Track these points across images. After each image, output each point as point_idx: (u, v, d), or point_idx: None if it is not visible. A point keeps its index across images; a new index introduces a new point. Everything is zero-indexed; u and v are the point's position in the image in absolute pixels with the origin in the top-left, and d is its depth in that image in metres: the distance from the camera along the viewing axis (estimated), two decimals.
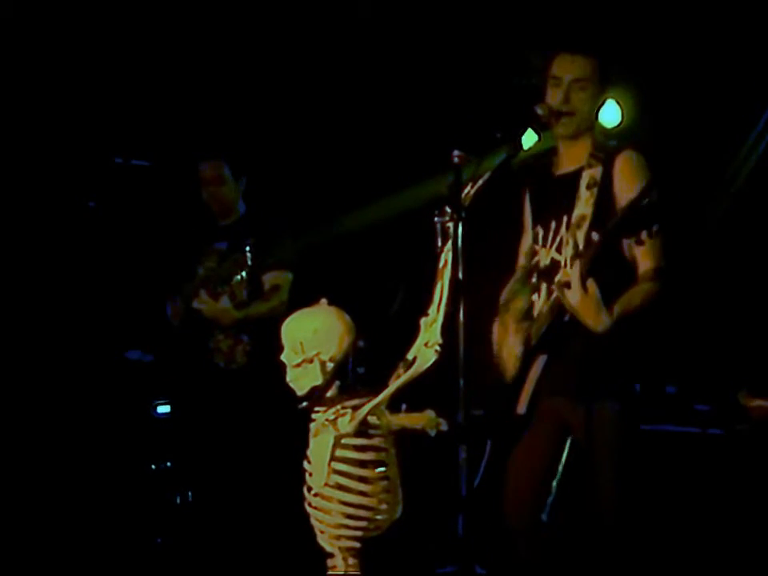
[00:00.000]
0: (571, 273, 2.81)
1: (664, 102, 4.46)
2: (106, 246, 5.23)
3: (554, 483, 3.14)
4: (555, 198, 3.16)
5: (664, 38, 4.43)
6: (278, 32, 5.05)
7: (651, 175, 2.97)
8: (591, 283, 2.79)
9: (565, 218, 3.09)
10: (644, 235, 2.72)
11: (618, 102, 3.30)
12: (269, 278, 4.29)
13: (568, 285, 2.82)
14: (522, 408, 3.03)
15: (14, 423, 4.84)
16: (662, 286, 2.98)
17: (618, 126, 3.35)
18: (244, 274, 4.10)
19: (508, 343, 3.18)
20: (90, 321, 5.16)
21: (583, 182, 3.07)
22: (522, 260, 3.37)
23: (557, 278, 2.92)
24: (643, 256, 2.98)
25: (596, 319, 2.82)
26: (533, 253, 3.25)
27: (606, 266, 2.82)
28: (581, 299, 2.79)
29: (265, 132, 5.33)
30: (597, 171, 3.06)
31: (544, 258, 3.16)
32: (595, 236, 2.91)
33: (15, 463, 4.73)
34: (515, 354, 3.11)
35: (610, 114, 3.28)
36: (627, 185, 2.99)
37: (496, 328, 3.26)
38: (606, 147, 3.11)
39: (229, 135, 4.86)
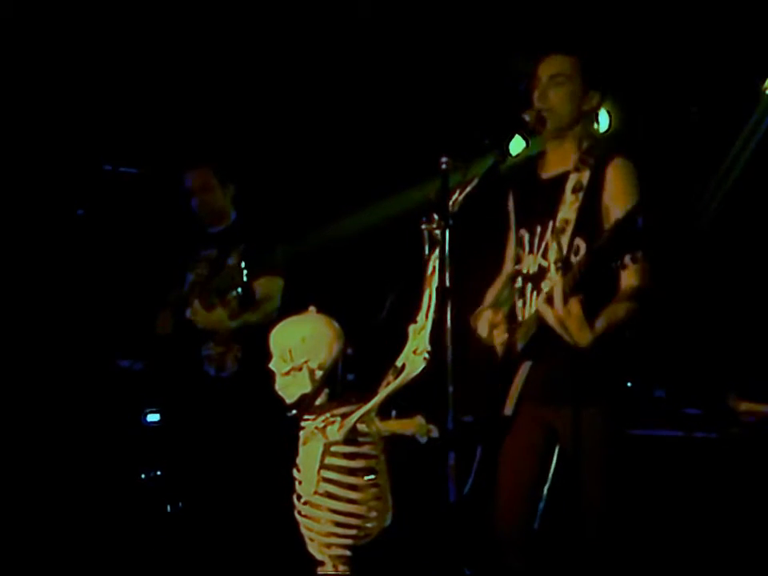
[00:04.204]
0: (555, 290, 2.74)
1: (654, 103, 4.47)
2: (94, 253, 5.22)
3: (545, 490, 3.13)
4: (541, 202, 3.12)
5: (653, 37, 4.44)
6: (262, 40, 5.06)
7: (639, 197, 2.91)
8: (575, 302, 2.73)
9: (550, 223, 3.06)
10: (628, 259, 2.62)
11: (606, 108, 3.30)
12: (260, 285, 4.24)
13: (551, 301, 2.76)
14: (507, 411, 3.02)
15: (3, 429, 4.82)
16: (642, 307, 2.91)
17: (607, 131, 3.34)
18: (240, 290, 4.09)
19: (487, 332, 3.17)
20: (79, 329, 5.15)
21: (569, 186, 3.04)
22: (507, 264, 3.35)
23: (541, 294, 2.87)
24: (628, 275, 2.93)
25: (578, 335, 2.76)
26: (518, 257, 3.22)
27: (590, 282, 2.78)
28: (564, 317, 2.73)
29: (254, 138, 5.34)
30: (584, 175, 3.02)
31: (531, 265, 3.13)
32: (579, 242, 2.92)
33: (4, 469, 4.71)
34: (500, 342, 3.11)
35: (599, 119, 3.27)
36: (617, 195, 2.95)
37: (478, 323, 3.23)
38: (596, 152, 3.08)
39: (216, 142, 4.85)
